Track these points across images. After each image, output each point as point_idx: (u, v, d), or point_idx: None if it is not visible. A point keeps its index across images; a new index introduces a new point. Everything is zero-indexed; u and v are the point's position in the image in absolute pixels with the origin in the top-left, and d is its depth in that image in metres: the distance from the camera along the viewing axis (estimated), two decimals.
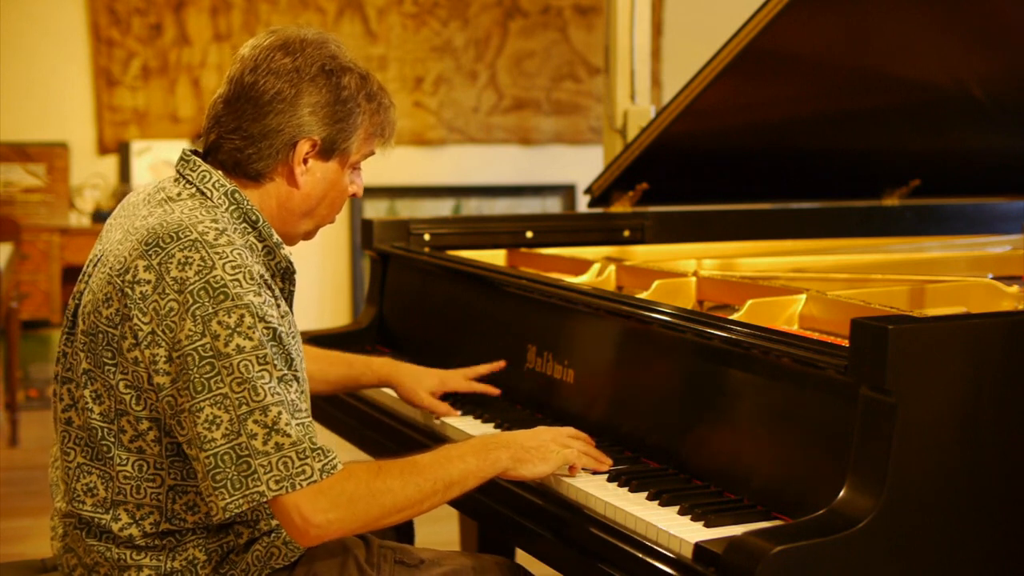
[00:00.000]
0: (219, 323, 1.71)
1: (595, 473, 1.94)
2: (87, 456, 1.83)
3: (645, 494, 1.83)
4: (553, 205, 6.88)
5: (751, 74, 2.80)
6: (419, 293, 2.84)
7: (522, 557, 2.33)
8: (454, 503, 2.22)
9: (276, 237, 1.89)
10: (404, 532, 2.41)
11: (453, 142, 6.73)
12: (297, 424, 1.72)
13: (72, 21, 6.17)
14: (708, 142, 3.08)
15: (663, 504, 1.79)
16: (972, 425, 1.64)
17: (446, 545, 2.37)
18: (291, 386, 1.74)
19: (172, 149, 6.20)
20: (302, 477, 1.70)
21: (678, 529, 1.69)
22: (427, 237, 2.93)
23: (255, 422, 1.70)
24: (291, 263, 1.91)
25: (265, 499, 1.70)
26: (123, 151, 6.21)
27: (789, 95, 2.99)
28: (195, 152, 1.92)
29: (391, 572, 1.96)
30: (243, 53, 1.90)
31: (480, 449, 1.88)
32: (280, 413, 1.70)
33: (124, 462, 1.81)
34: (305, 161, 1.88)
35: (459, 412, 2.33)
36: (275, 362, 1.73)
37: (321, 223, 1.98)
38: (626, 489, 1.87)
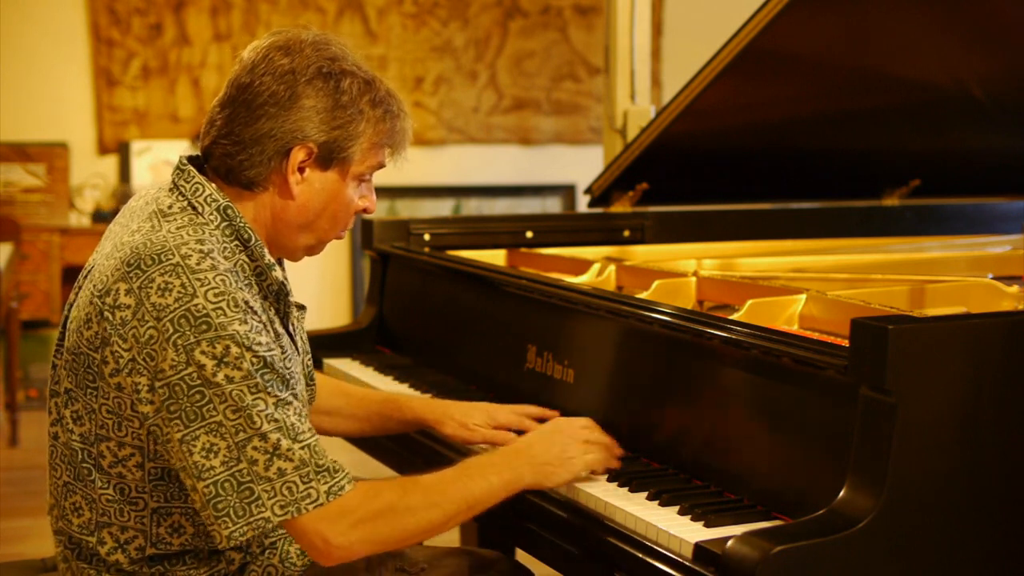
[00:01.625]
0: (203, 353, 1.64)
1: (594, 472, 1.94)
2: (71, 476, 1.79)
3: (645, 494, 1.83)
4: (553, 205, 6.88)
5: (751, 74, 2.80)
6: (419, 293, 2.84)
7: (522, 557, 2.33)
8: None
9: (268, 258, 1.80)
10: None
11: (453, 142, 6.73)
12: (301, 447, 1.66)
13: (72, 21, 6.17)
14: (708, 142, 3.08)
15: (663, 504, 1.79)
16: (972, 425, 1.64)
17: (446, 545, 2.37)
18: (289, 408, 1.68)
19: (172, 149, 6.21)
20: (307, 501, 1.65)
21: (678, 529, 1.69)
22: (427, 237, 2.93)
23: (254, 448, 1.64)
24: (283, 284, 1.83)
25: (271, 525, 1.65)
26: (123, 151, 6.22)
27: (789, 95, 2.99)
28: (193, 159, 1.85)
29: None
30: (243, 55, 1.83)
31: (501, 466, 1.82)
32: (280, 440, 1.65)
33: (105, 485, 1.76)
34: (301, 170, 1.79)
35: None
36: (268, 388, 1.66)
37: (324, 238, 1.87)
38: (626, 489, 1.86)
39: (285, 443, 1.65)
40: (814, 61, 2.85)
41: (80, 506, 1.79)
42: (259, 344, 1.68)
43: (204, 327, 1.65)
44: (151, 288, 1.67)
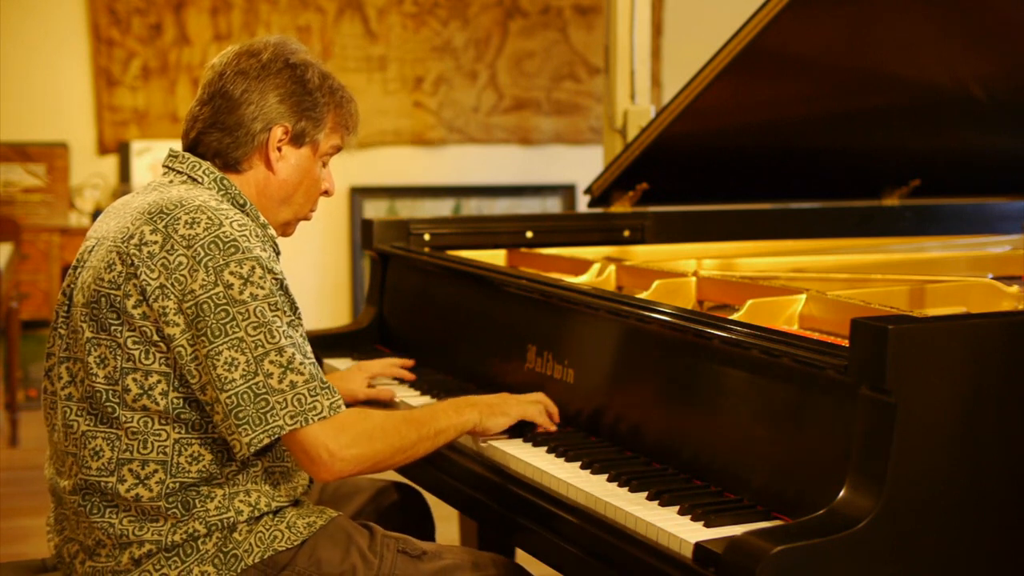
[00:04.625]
0: (231, 273, 1.84)
1: (594, 473, 1.95)
2: (91, 423, 1.90)
3: (645, 494, 1.83)
4: (553, 205, 6.88)
5: (751, 74, 2.80)
6: (419, 293, 2.84)
7: (522, 557, 2.34)
8: (451, 500, 2.23)
9: (262, 219, 2.02)
10: (422, 522, 2.43)
11: (453, 142, 6.73)
12: (310, 363, 1.86)
13: (72, 21, 6.17)
14: (708, 142, 3.08)
15: (663, 504, 1.79)
16: (972, 425, 1.64)
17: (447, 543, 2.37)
18: (298, 329, 1.90)
19: None
20: (313, 412, 1.84)
21: (678, 529, 1.69)
22: (427, 237, 2.93)
23: (271, 362, 1.83)
24: (276, 242, 2.03)
25: (284, 432, 1.83)
26: (123, 151, 6.22)
27: (789, 95, 2.99)
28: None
29: (393, 561, 1.99)
30: (213, 62, 2.06)
31: (457, 407, 2.08)
32: (294, 354, 1.84)
33: (129, 420, 1.88)
34: (279, 148, 2.02)
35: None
36: (284, 308, 1.87)
37: (299, 213, 2.10)
38: (626, 489, 1.87)
39: (298, 357, 1.85)
40: (814, 61, 2.85)
41: (100, 448, 1.89)
42: (277, 270, 1.90)
43: (232, 250, 1.85)
44: (178, 224, 1.87)
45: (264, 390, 1.82)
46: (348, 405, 2.40)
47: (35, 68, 6.13)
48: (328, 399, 1.85)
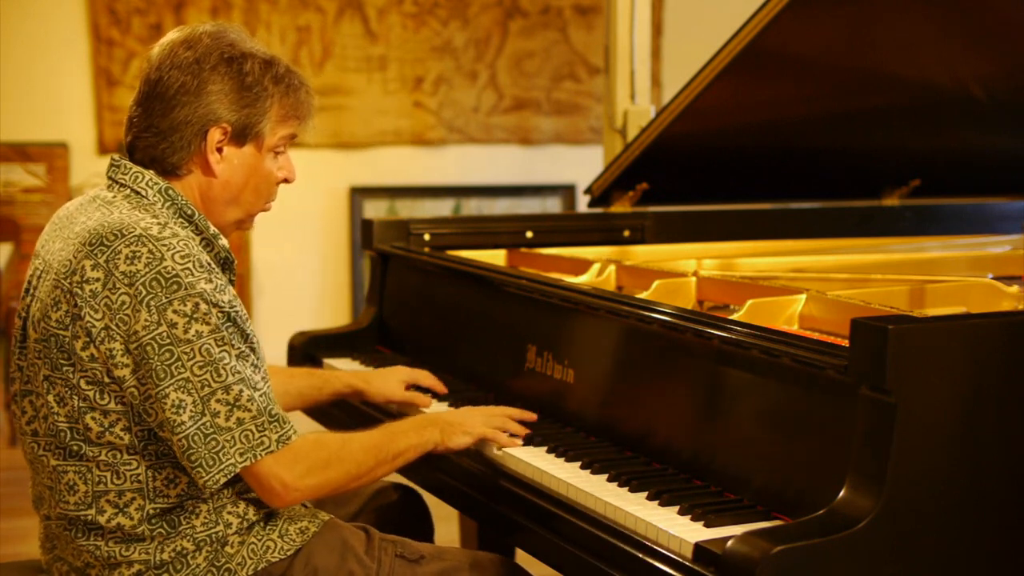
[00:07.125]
0: (175, 311, 1.78)
1: (594, 473, 1.95)
2: (60, 457, 1.87)
3: (645, 494, 1.83)
4: (553, 205, 6.88)
5: (751, 74, 2.80)
6: (419, 293, 2.84)
7: (522, 557, 2.33)
8: (451, 500, 2.23)
9: (213, 229, 1.94)
10: (421, 523, 2.42)
11: (453, 142, 6.72)
12: (259, 395, 1.83)
13: (72, 21, 6.17)
14: (708, 142, 3.08)
15: (663, 504, 1.79)
16: (972, 425, 1.64)
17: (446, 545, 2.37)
18: (247, 360, 1.84)
19: None
20: (261, 447, 1.81)
21: (678, 529, 1.69)
22: (427, 237, 2.93)
23: (218, 401, 1.79)
24: (230, 253, 1.97)
25: (236, 469, 1.81)
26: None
27: (789, 95, 2.99)
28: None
29: (391, 565, 1.98)
30: (151, 52, 1.97)
31: (417, 427, 2.05)
32: (241, 390, 1.80)
33: (97, 454, 1.85)
34: (219, 149, 1.93)
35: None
36: (232, 341, 1.82)
37: (251, 210, 2.01)
38: (626, 489, 1.87)
39: (246, 393, 1.81)
40: (814, 61, 2.85)
41: (74, 483, 1.87)
42: (223, 301, 1.83)
43: (175, 287, 1.79)
44: (119, 259, 1.80)
45: (212, 430, 1.79)
46: (382, 408, 2.40)
47: (35, 68, 6.12)
48: (276, 432, 1.82)
